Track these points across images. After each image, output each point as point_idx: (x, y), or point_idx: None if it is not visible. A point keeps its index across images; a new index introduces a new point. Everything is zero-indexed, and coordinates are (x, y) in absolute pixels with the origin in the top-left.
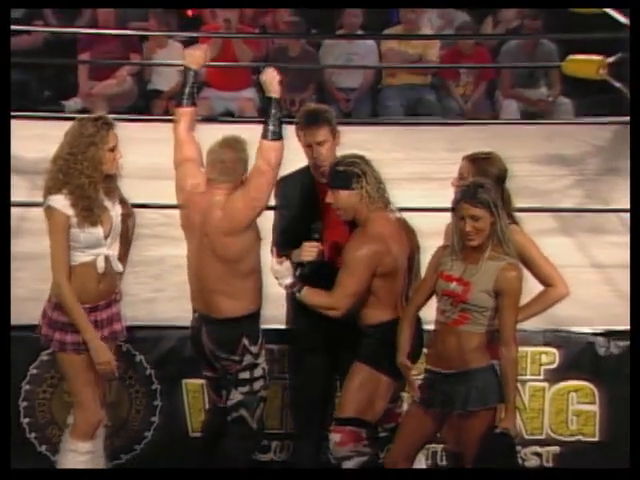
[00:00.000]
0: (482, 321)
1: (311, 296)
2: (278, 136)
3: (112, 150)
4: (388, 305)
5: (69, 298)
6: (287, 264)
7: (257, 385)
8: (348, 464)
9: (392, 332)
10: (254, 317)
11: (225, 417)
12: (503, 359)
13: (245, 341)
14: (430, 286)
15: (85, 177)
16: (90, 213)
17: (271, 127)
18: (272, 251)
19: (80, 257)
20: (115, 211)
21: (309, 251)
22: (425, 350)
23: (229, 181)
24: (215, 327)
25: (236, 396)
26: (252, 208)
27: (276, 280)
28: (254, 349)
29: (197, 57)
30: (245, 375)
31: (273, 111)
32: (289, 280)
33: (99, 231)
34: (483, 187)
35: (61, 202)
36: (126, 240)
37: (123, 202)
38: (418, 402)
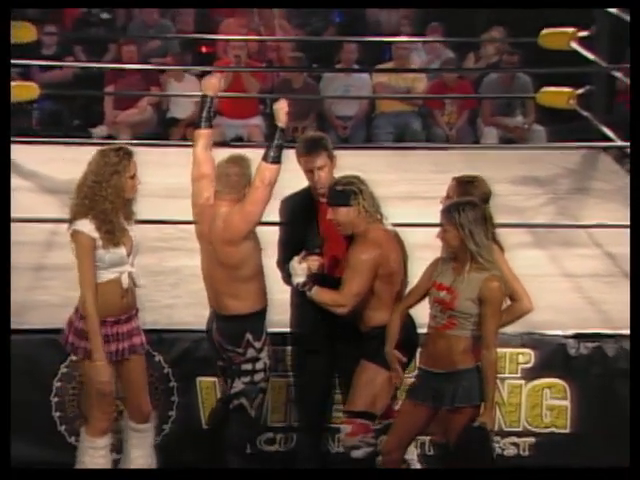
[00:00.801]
0: (468, 326)
1: (321, 294)
2: (276, 160)
3: (132, 177)
4: (389, 308)
5: (92, 316)
6: (304, 265)
7: (258, 377)
8: (356, 453)
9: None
10: (258, 315)
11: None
12: (484, 361)
13: (249, 336)
14: (422, 290)
15: (109, 203)
16: (113, 235)
17: (272, 152)
18: (278, 263)
19: (106, 275)
20: (134, 231)
21: (311, 264)
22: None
23: (233, 193)
24: (223, 323)
25: (238, 385)
26: (247, 222)
27: (290, 277)
28: (257, 344)
29: (213, 84)
30: (247, 367)
31: (276, 139)
32: (302, 279)
33: (122, 251)
34: (456, 206)
35: (87, 226)
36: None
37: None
38: (411, 397)
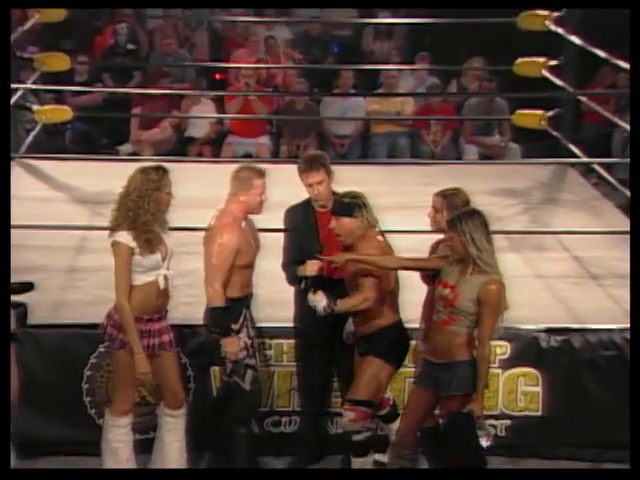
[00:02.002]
0: (466, 323)
1: (345, 304)
2: None
3: (169, 193)
4: (389, 307)
5: (127, 316)
6: (320, 293)
7: (241, 355)
8: (357, 437)
9: (398, 331)
10: (235, 301)
11: (228, 391)
12: (478, 355)
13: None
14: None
15: (150, 215)
16: (150, 244)
17: None
18: (283, 266)
19: (144, 278)
20: (168, 240)
21: (311, 267)
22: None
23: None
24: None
25: (228, 365)
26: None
27: (314, 308)
28: (235, 326)
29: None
30: None
31: None
32: (325, 302)
33: (157, 257)
34: (458, 216)
35: (125, 237)
36: None
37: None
38: (417, 384)
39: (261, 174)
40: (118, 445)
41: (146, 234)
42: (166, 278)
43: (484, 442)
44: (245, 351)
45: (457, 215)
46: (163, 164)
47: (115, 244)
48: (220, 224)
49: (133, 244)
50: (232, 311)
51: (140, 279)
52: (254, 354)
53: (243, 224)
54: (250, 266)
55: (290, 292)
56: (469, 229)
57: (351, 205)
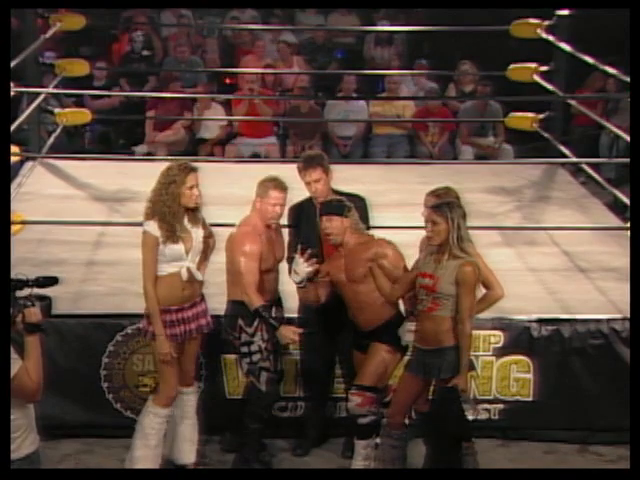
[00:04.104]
0: (450, 307)
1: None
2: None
3: (190, 188)
4: (392, 304)
5: (151, 300)
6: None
7: (255, 357)
8: (363, 420)
9: (402, 321)
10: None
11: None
12: (459, 333)
13: (241, 322)
14: (410, 280)
15: (166, 207)
16: (171, 234)
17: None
18: (288, 259)
19: (167, 268)
20: (197, 233)
21: (308, 268)
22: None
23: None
24: (226, 307)
25: (244, 366)
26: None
27: (295, 271)
28: (249, 329)
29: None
30: (244, 349)
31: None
32: (306, 272)
33: (180, 247)
34: (448, 204)
35: (152, 226)
36: (205, 255)
37: (205, 226)
38: (408, 370)
39: (280, 187)
40: (150, 432)
41: (165, 224)
42: (189, 270)
43: (470, 415)
44: (259, 354)
45: (446, 203)
46: (191, 163)
47: (143, 232)
48: (239, 233)
49: (157, 233)
50: (247, 314)
51: (164, 269)
52: (268, 357)
53: (263, 236)
54: (266, 272)
55: (294, 284)
56: (457, 217)
57: (339, 205)
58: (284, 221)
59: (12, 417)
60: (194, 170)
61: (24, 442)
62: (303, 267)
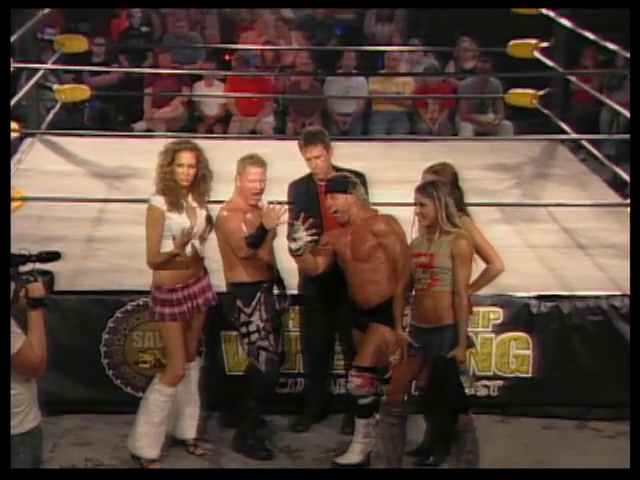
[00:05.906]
0: (448, 281)
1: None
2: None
3: (180, 166)
4: (393, 280)
5: (157, 258)
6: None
7: (253, 337)
8: (363, 401)
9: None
10: (248, 286)
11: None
12: (455, 305)
13: (239, 302)
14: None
15: (168, 183)
16: (177, 207)
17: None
18: (288, 237)
19: (172, 244)
20: (201, 213)
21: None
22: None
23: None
24: (227, 288)
25: (244, 346)
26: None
27: (292, 239)
28: (247, 310)
29: (272, 217)
30: (243, 330)
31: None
32: (303, 242)
33: (185, 221)
34: (432, 184)
35: (157, 201)
36: (203, 235)
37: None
38: (407, 350)
39: (258, 162)
40: (155, 409)
41: (172, 197)
42: (193, 247)
43: (467, 386)
44: (257, 334)
45: (430, 183)
46: (191, 140)
47: (148, 208)
48: (222, 216)
49: (164, 207)
50: (245, 295)
51: (168, 245)
52: (267, 336)
53: (249, 215)
54: (259, 250)
55: (294, 262)
56: (443, 196)
57: (343, 182)
58: (284, 198)
59: (16, 392)
60: (186, 149)
61: (27, 417)
62: (302, 234)
